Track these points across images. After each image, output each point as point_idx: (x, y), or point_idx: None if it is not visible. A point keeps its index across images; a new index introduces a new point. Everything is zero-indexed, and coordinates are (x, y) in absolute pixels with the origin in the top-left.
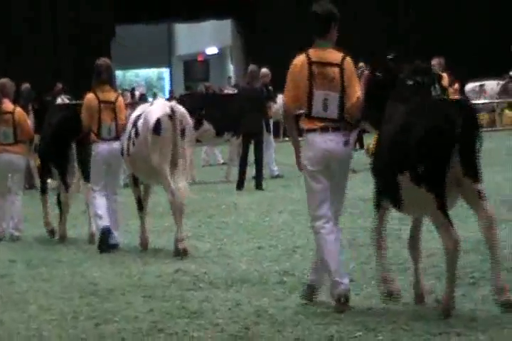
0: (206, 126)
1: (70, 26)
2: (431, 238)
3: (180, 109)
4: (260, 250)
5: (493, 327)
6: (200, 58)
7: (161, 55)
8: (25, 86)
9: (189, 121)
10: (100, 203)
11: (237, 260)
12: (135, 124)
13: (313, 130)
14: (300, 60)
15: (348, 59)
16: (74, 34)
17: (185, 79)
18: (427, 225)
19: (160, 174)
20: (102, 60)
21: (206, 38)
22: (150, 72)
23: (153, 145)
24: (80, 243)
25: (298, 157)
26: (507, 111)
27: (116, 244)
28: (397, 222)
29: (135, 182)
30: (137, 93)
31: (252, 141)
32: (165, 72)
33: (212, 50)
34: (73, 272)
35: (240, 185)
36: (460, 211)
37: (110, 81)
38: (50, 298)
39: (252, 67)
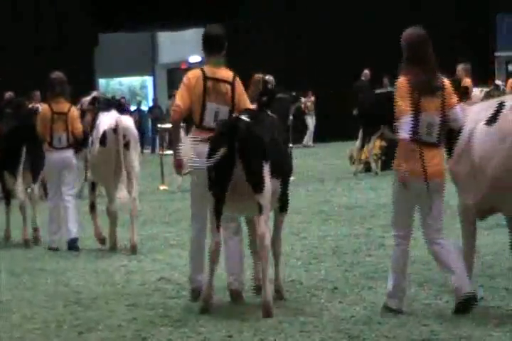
0: None
1: (53, 35)
2: (413, 245)
3: (125, 122)
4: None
5: (477, 334)
6: (183, 66)
7: (144, 63)
8: (9, 94)
9: (134, 134)
10: (53, 216)
11: (220, 268)
12: (92, 134)
13: (202, 140)
14: (195, 74)
15: (237, 77)
16: (56, 42)
17: (168, 88)
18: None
19: (104, 182)
20: (56, 74)
21: (189, 46)
22: (133, 81)
23: (100, 155)
24: (63, 252)
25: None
26: None
27: (57, 248)
28: (381, 229)
29: (92, 187)
30: (88, 98)
31: None
32: (148, 80)
33: (195, 58)
34: (56, 281)
35: None
36: (444, 219)
37: (63, 93)
38: (34, 306)
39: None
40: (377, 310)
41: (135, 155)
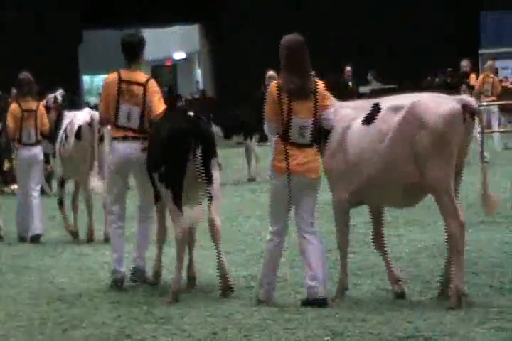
0: (214, 129)
1: (37, 32)
2: (398, 242)
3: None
4: (228, 255)
5: (461, 331)
6: (168, 63)
7: None
8: None
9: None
10: (21, 208)
11: (205, 265)
12: (65, 130)
13: (117, 138)
14: (112, 78)
15: (152, 80)
16: (41, 40)
17: None
18: (394, 230)
19: (80, 173)
20: (24, 75)
21: (174, 43)
22: None
23: (75, 148)
24: (48, 249)
25: None
26: None
27: (39, 234)
28: (364, 226)
29: (62, 183)
30: (59, 97)
31: None
32: None
33: (180, 55)
34: (41, 278)
35: None
36: (428, 216)
37: (31, 92)
38: (18, 304)
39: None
40: (361, 307)
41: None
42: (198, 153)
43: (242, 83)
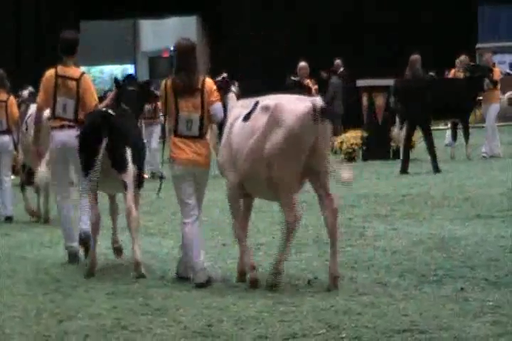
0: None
1: (33, 22)
2: (394, 236)
3: None
4: (224, 247)
5: (456, 325)
6: (165, 54)
7: (126, 51)
8: None
9: None
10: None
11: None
12: (26, 121)
13: (55, 127)
14: (50, 73)
15: (85, 75)
16: (37, 30)
17: (150, 76)
18: (391, 224)
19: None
20: None
21: (171, 34)
22: (114, 69)
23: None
24: (44, 239)
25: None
26: None
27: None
28: (361, 219)
29: (23, 169)
30: (25, 92)
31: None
32: (130, 68)
33: None
34: (37, 269)
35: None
36: (424, 209)
37: (2, 86)
38: (14, 294)
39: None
40: (357, 300)
41: None
42: (106, 143)
43: (239, 75)
